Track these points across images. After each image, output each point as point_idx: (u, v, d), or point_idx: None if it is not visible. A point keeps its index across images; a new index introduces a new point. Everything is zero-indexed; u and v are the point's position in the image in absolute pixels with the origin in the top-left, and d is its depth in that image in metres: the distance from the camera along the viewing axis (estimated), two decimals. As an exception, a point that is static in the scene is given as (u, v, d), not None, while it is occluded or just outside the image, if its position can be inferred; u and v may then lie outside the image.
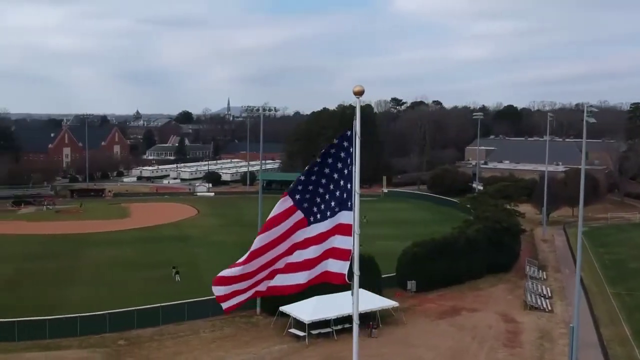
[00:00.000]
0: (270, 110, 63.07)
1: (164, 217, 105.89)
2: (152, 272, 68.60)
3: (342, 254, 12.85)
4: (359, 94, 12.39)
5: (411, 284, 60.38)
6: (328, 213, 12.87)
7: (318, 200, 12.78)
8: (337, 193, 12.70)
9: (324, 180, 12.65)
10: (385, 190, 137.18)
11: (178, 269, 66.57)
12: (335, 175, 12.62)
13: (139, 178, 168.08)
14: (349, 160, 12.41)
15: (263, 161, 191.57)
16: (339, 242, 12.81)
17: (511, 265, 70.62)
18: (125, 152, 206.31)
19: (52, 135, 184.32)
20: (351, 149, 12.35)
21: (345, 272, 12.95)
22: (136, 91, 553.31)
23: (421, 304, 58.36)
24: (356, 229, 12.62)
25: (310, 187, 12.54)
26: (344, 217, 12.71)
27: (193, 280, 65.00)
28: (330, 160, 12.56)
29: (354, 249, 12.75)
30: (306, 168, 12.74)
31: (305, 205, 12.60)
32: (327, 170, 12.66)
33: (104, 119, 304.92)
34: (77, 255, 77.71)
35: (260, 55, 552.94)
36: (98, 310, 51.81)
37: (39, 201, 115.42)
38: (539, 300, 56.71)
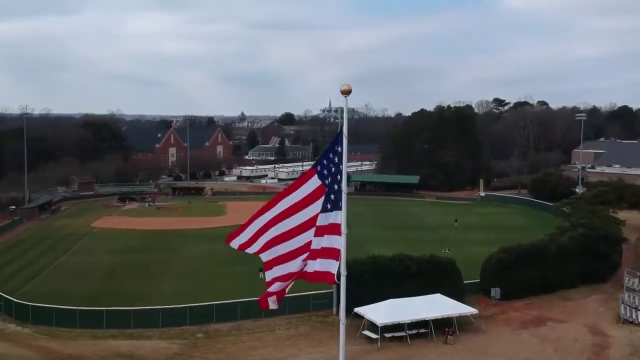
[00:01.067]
0: (353, 110, 62.50)
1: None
2: (239, 268, 70.16)
3: (332, 253, 12.81)
4: (346, 92, 12.35)
5: (495, 292, 58.01)
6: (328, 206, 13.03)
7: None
8: (332, 196, 12.80)
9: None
10: (483, 194, 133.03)
11: (262, 267, 67.78)
12: (330, 178, 12.79)
13: (239, 177, 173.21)
14: (336, 160, 12.38)
15: (360, 162, 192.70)
16: (330, 241, 12.81)
17: (609, 275, 66.19)
18: (228, 152, 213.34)
19: (159, 135, 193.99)
20: (339, 149, 12.45)
21: (335, 271, 12.86)
22: (242, 93, 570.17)
23: (504, 312, 55.99)
24: (343, 229, 12.59)
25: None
26: (337, 216, 12.81)
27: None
28: (324, 162, 12.78)
29: (342, 249, 12.78)
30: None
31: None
32: (325, 172, 12.88)
33: (210, 121, 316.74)
34: (171, 249, 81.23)
35: (363, 56, 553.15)
36: (186, 302, 53.90)
37: (141, 198, 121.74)
38: (634, 314, 52.76)
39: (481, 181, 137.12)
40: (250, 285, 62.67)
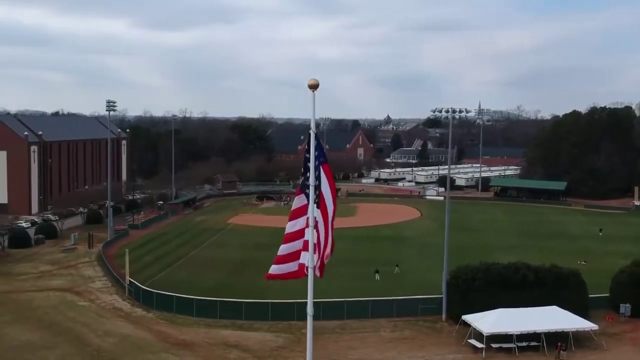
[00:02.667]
0: (462, 112, 60.24)
1: (387, 218, 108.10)
2: (357, 268, 70.59)
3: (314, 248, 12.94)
4: (313, 87, 12.11)
5: (625, 308, 53.00)
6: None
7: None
8: (308, 190, 12.71)
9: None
10: (638, 203, 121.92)
11: (379, 268, 67.67)
12: (306, 174, 12.78)
13: (377, 180, 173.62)
14: (307, 155, 12.46)
15: (505, 166, 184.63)
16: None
17: None
18: (369, 154, 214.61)
19: (302, 137, 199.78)
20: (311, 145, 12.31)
21: (306, 264, 12.93)
22: (390, 96, 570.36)
23: (634, 330, 51.03)
24: (311, 221, 12.46)
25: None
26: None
27: (393, 279, 65.65)
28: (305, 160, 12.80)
29: (310, 240, 12.63)
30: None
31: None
32: (303, 169, 13.11)
33: (355, 123, 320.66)
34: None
35: (520, 57, 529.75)
36: (300, 298, 55.09)
37: (278, 197, 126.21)
38: None
39: (636, 189, 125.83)
40: (364, 285, 62.96)
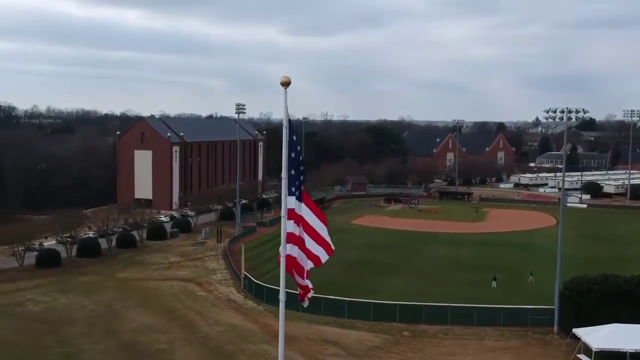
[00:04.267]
0: (579, 112, 55.74)
1: (518, 225, 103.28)
2: (475, 274, 68.42)
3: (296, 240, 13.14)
4: (285, 84, 12.29)
5: None
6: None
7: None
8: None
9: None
10: None
11: (497, 275, 65.04)
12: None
13: (516, 185, 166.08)
14: (283, 149, 12.69)
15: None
16: (292, 227, 13.02)
17: None
18: (510, 158, 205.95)
19: (437, 140, 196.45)
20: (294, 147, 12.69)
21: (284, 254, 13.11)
22: (539, 97, 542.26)
23: None
24: (283, 212, 12.52)
25: None
26: (289, 202, 12.84)
27: (511, 288, 62.90)
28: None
29: (282, 231, 12.82)
30: None
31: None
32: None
33: (500, 126, 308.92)
34: (415, 250, 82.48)
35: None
36: (411, 300, 54.70)
37: (406, 200, 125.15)
38: None
39: None
40: (478, 292, 60.76)
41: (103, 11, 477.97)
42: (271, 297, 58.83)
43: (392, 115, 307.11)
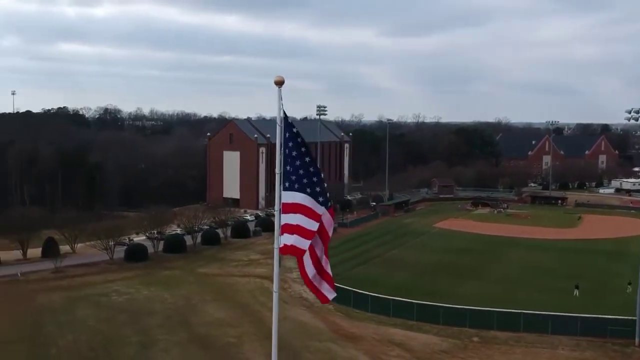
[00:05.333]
0: None
1: (614, 232, 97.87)
2: (559, 282, 65.72)
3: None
4: (279, 84, 12.52)
5: None
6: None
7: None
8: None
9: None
10: None
11: (580, 284, 62.10)
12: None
13: (617, 190, 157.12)
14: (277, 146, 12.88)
15: None
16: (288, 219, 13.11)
17: None
18: (613, 161, 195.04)
19: (533, 142, 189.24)
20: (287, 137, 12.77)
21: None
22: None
23: None
24: (277, 206, 12.74)
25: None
26: (284, 196, 13.01)
27: (594, 296, 59.94)
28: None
29: (276, 223, 12.81)
30: None
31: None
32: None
33: (604, 128, 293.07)
34: (496, 255, 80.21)
35: None
36: (485, 305, 53.45)
37: (494, 204, 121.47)
38: None
39: None
40: (558, 300, 58.29)
41: (205, 17, 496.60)
42: (341, 297, 58.79)
43: (488, 117, 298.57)
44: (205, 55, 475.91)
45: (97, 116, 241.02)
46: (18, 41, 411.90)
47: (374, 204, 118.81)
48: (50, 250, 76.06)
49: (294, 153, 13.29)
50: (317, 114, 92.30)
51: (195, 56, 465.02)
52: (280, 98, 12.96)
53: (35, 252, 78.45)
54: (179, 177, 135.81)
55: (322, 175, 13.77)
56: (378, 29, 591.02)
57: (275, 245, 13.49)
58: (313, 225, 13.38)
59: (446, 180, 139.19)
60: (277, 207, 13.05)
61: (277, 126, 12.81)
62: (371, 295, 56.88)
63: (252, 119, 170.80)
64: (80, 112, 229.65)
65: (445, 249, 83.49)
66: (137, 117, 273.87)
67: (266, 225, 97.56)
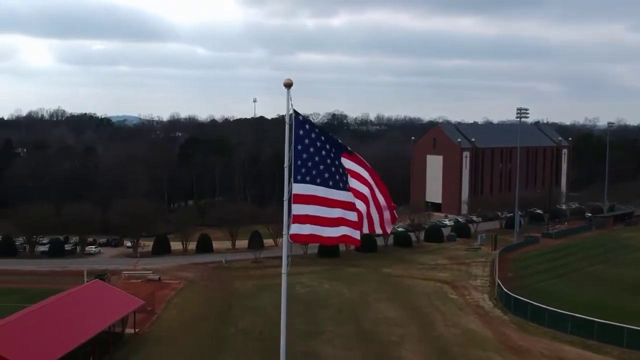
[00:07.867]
0: None
1: None
2: None
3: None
4: (288, 86, 13.36)
5: None
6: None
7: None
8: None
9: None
10: None
11: None
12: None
13: None
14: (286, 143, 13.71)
15: None
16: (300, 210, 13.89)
17: None
18: None
19: None
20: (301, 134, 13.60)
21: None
22: None
23: None
24: (285, 195, 13.50)
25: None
26: (295, 188, 13.75)
27: None
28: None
29: (285, 215, 13.66)
30: None
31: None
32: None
33: None
34: None
35: None
36: None
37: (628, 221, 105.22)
38: None
39: None
40: None
41: (435, 22, 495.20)
42: (518, 308, 56.45)
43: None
44: (436, 59, 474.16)
45: (325, 121, 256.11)
46: (264, 53, 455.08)
47: (589, 215, 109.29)
48: (254, 242, 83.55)
49: (311, 149, 13.99)
50: (517, 116, 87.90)
51: (428, 61, 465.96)
52: (290, 99, 13.77)
53: (243, 243, 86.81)
54: (388, 179, 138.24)
55: (344, 167, 14.30)
56: (631, 24, 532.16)
57: (285, 233, 14.26)
58: (330, 213, 14.09)
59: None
60: (285, 196, 13.80)
61: (286, 124, 13.54)
62: (548, 309, 53.20)
63: (479, 123, 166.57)
64: (307, 118, 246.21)
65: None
66: (362, 122, 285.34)
67: (461, 231, 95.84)
